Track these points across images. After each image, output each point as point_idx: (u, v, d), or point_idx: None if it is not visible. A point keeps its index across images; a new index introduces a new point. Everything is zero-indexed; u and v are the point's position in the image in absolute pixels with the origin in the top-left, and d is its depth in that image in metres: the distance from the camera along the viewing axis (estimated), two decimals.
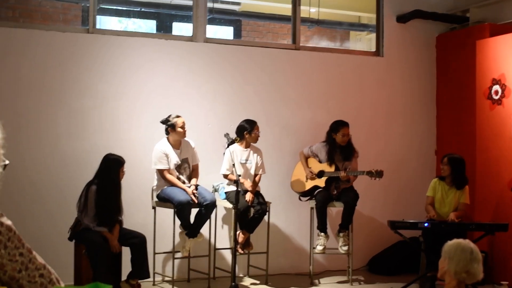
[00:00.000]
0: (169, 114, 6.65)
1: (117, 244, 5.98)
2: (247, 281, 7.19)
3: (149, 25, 8.65)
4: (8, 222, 2.20)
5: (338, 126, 7.19)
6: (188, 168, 6.78)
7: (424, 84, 8.49)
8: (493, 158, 7.42)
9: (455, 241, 3.51)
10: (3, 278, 2.18)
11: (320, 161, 7.24)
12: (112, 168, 6.08)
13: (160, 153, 6.59)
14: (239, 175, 6.41)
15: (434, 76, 8.53)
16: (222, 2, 8.68)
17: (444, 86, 8.44)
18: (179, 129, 6.61)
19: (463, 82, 8.01)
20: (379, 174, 6.98)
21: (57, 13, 8.46)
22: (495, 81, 7.36)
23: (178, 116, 6.66)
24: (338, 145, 7.20)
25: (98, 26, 7.13)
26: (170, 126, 6.60)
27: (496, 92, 7.36)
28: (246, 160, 6.99)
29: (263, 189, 7.15)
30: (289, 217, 7.74)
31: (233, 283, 6.11)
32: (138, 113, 7.08)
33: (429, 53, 8.52)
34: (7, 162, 2.24)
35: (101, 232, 5.94)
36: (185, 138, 6.74)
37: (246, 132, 6.92)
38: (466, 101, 7.94)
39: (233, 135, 7.01)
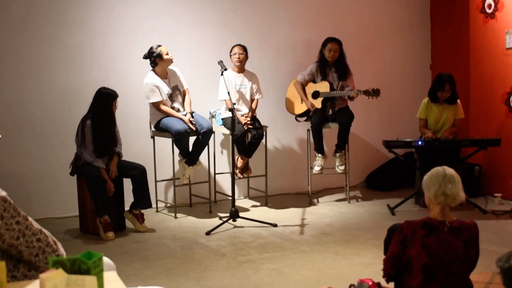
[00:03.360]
0: (149, 47, 6.64)
1: (112, 187, 6.12)
2: (248, 203, 7.40)
3: None
4: (3, 193, 2.31)
5: (326, 41, 7.22)
6: (180, 94, 6.84)
7: None
8: (486, 72, 7.46)
9: (430, 171, 3.64)
10: (2, 246, 2.31)
11: (315, 82, 7.29)
12: (105, 102, 6.14)
13: (151, 86, 6.63)
14: (234, 103, 6.48)
15: None
16: None
17: (438, 0, 8.37)
18: (166, 56, 6.64)
19: None
20: (376, 92, 7.02)
21: None
22: None
23: (160, 45, 6.67)
24: (331, 63, 7.22)
25: None
26: (157, 57, 6.62)
27: (489, 6, 7.32)
28: (240, 85, 7.06)
29: (259, 111, 7.25)
30: (286, 139, 7.88)
31: (233, 208, 6.29)
32: (132, 44, 7.07)
33: None
34: None
35: (100, 169, 6.07)
36: (170, 68, 6.77)
37: (230, 56, 6.97)
38: (460, 15, 7.90)
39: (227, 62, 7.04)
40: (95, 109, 6.16)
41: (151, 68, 6.70)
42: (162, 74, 6.72)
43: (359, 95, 7.04)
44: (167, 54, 6.63)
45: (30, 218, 2.41)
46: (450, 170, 3.59)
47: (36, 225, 2.42)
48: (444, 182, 3.52)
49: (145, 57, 6.66)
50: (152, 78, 6.67)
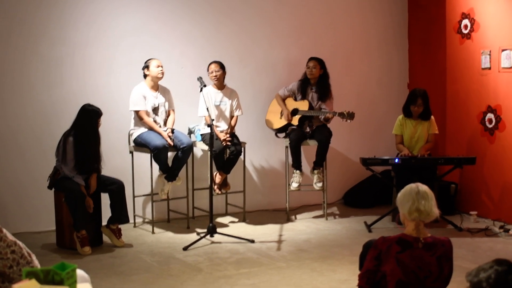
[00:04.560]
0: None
1: (91, 203, 6.10)
2: (226, 219, 7.40)
3: None
4: None
5: (308, 60, 7.31)
6: (165, 112, 6.88)
7: (396, 18, 8.54)
8: (462, 91, 7.57)
9: (403, 188, 3.69)
10: None
11: (295, 99, 7.35)
12: (89, 119, 6.15)
13: (138, 94, 6.70)
14: (213, 120, 6.52)
15: (406, 10, 8.57)
16: None
17: (415, 20, 8.49)
18: (154, 69, 6.69)
19: (434, 16, 8.06)
20: (350, 115, 7.08)
21: None
22: (465, 15, 7.43)
23: (154, 59, 6.76)
24: (314, 82, 7.30)
25: None
26: (146, 67, 6.69)
27: (466, 27, 7.44)
28: (220, 101, 7.10)
29: (239, 128, 7.29)
30: (265, 155, 7.91)
31: (211, 224, 6.30)
32: (112, 58, 7.10)
33: None
34: None
35: (79, 185, 6.06)
36: (163, 85, 6.82)
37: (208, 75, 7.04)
38: (437, 35, 8.01)
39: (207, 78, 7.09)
40: (78, 126, 6.16)
41: (144, 79, 6.81)
42: (153, 87, 6.78)
43: (334, 117, 7.10)
44: (156, 67, 6.69)
45: (4, 230, 2.41)
46: (423, 187, 3.64)
47: (10, 237, 2.42)
48: (418, 198, 3.58)
49: (142, 67, 6.76)
50: (141, 88, 6.77)
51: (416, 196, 3.59)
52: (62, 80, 6.92)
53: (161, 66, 6.75)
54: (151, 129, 6.72)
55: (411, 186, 3.67)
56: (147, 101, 6.73)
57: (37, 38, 6.78)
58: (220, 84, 7.11)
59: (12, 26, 6.70)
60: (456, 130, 7.69)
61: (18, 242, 2.44)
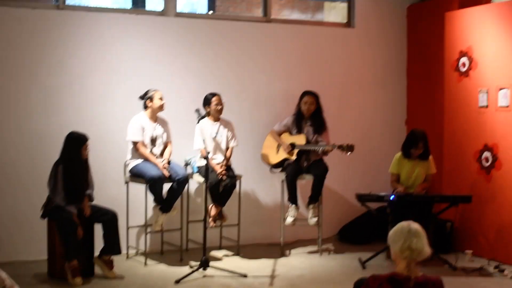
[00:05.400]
0: (146, 90, 6.77)
1: (81, 233, 6.07)
2: (220, 252, 7.35)
3: None
4: None
5: (302, 94, 7.35)
6: (162, 143, 6.89)
7: (395, 54, 8.59)
8: (460, 129, 7.56)
9: (395, 226, 3.67)
10: None
11: (291, 134, 7.35)
12: (73, 147, 6.16)
13: (137, 124, 6.72)
14: (208, 152, 6.52)
15: (405, 47, 8.62)
16: None
17: (414, 57, 8.53)
18: (158, 101, 6.72)
19: (433, 53, 8.10)
20: (349, 148, 7.08)
21: None
22: (463, 54, 7.46)
23: (156, 90, 6.79)
24: (308, 116, 7.31)
25: (68, 1, 7.11)
26: (148, 99, 6.72)
27: (464, 65, 7.46)
28: (217, 133, 7.10)
29: (236, 160, 7.28)
30: (261, 188, 7.89)
31: (204, 257, 6.26)
32: (110, 88, 7.13)
33: (400, 24, 8.59)
34: None
35: (71, 214, 6.03)
36: (162, 117, 6.83)
37: (207, 105, 7.03)
38: (435, 72, 8.04)
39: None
40: (65, 155, 6.17)
41: (144, 109, 6.81)
42: (152, 117, 6.80)
43: (333, 150, 7.09)
44: (160, 99, 6.70)
45: None
46: (415, 225, 3.62)
47: None
48: (410, 237, 3.56)
49: (141, 97, 6.75)
50: (140, 118, 6.78)
51: (408, 234, 3.56)
52: (60, 109, 6.94)
53: (163, 99, 6.77)
54: (147, 160, 6.71)
55: (403, 224, 3.64)
56: (145, 132, 6.74)
57: (36, 67, 6.83)
58: (217, 116, 7.12)
59: (11, 54, 6.75)
60: (453, 168, 7.66)
61: (1, 273, 2.41)
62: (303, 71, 8.06)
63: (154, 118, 6.83)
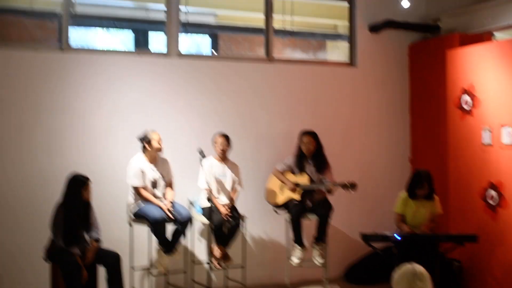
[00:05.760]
0: (144, 130, 6.74)
1: (86, 276, 6.02)
2: None
3: (125, 36, 8.66)
4: None
5: (301, 135, 7.34)
6: (164, 184, 6.86)
7: (398, 93, 8.61)
8: (464, 167, 7.53)
9: (399, 269, 3.63)
10: None
11: (294, 173, 7.33)
12: (74, 188, 6.14)
13: (136, 169, 6.68)
14: (212, 194, 6.49)
15: (407, 85, 8.65)
16: (198, 13, 8.70)
17: (417, 95, 8.55)
18: (156, 145, 6.71)
19: (435, 91, 8.12)
20: (352, 186, 7.05)
21: (34, 26, 8.45)
22: (465, 91, 7.48)
23: (153, 131, 6.76)
24: (309, 156, 7.29)
25: (74, 37, 7.14)
26: (147, 143, 6.70)
27: (466, 102, 7.47)
28: (221, 174, 7.08)
29: (239, 200, 7.25)
30: (265, 228, 7.84)
31: None
32: (114, 129, 7.15)
33: (402, 62, 8.64)
34: None
35: (75, 256, 5.98)
36: (161, 156, 6.83)
37: (212, 145, 7.03)
38: (438, 110, 8.05)
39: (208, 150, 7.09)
40: (66, 196, 6.15)
41: (142, 151, 6.77)
42: (151, 159, 6.77)
43: (337, 188, 7.06)
44: (158, 142, 6.69)
45: None
46: (419, 268, 3.58)
47: None
48: (414, 280, 3.52)
49: (139, 139, 6.75)
50: (138, 162, 6.73)
51: (412, 278, 3.52)
52: (63, 149, 6.97)
53: (161, 141, 6.77)
54: (150, 202, 6.68)
55: (407, 267, 3.61)
56: (145, 176, 6.71)
57: (39, 108, 6.89)
58: (223, 157, 7.11)
59: (15, 95, 6.81)
60: (459, 206, 7.61)
61: None
62: (305, 110, 8.08)
63: (154, 160, 6.81)
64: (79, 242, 6.10)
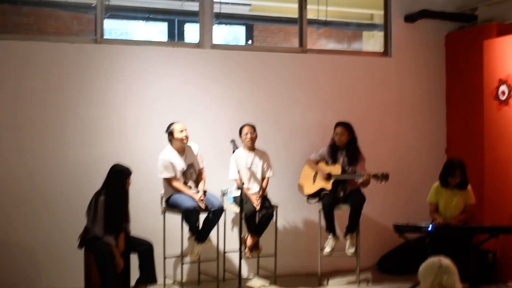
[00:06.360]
0: (169, 123, 6.82)
1: (121, 263, 6.13)
2: (257, 282, 7.31)
3: (160, 28, 8.76)
4: None
5: (335, 125, 7.30)
6: (194, 173, 6.92)
7: (433, 83, 8.51)
8: (500, 158, 7.43)
9: (426, 261, 3.61)
10: None
11: (327, 163, 7.32)
12: (119, 179, 6.23)
13: (165, 161, 6.74)
14: (243, 183, 6.53)
15: (443, 75, 8.54)
16: (232, 4, 8.74)
17: (453, 85, 8.44)
18: (178, 134, 6.75)
19: (472, 81, 8.01)
20: (384, 177, 7.01)
21: (71, 18, 8.61)
22: (502, 82, 7.37)
23: (176, 122, 6.81)
24: (342, 147, 7.28)
25: (108, 29, 7.25)
26: (170, 134, 6.76)
27: (503, 93, 7.36)
28: (252, 163, 7.11)
29: (272, 190, 7.27)
30: (297, 218, 7.86)
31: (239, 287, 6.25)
32: (146, 120, 7.23)
33: (438, 53, 8.53)
34: None
35: (109, 245, 6.09)
36: (189, 143, 6.88)
37: (240, 136, 7.07)
38: (475, 101, 7.94)
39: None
40: (108, 186, 6.23)
41: (169, 143, 6.81)
42: (179, 150, 6.82)
43: (369, 179, 7.03)
44: (180, 132, 6.74)
45: None
46: (446, 261, 3.55)
47: None
48: (440, 273, 3.49)
49: (166, 131, 6.79)
50: (167, 154, 6.78)
51: (438, 271, 3.50)
52: (98, 140, 7.07)
53: (185, 130, 6.81)
54: (182, 192, 6.75)
55: (433, 260, 3.58)
56: (175, 167, 6.77)
57: (74, 99, 7.00)
58: (252, 147, 7.15)
59: (51, 87, 6.94)
60: (494, 197, 7.51)
61: None
62: (339, 101, 8.05)
63: (182, 150, 6.86)
64: (115, 231, 6.20)
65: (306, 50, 7.99)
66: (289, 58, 7.90)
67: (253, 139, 7.10)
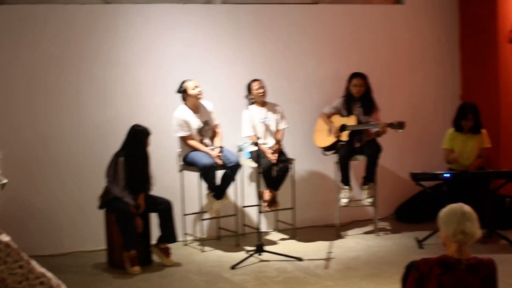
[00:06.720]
0: (181, 81, 6.81)
1: (141, 223, 6.21)
2: (276, 235, 7.40)
3: None
4: (7, 238, 2.37)
5: (351, 77, 7.27)
6: (210, 130, 6.94)
7: (447, 29, 8.41)
8: None
9: (446, 207, 3.60)
10: None
11: (342, 116, 7.31)
12: (138, 139, 6.27)
13: (179, 120, 6.75)
14: (259, 138, 6.55)
15: (456, 20, 8.42)
16: None
17: (467, 30, 8.33)
18: (192, 91, 6.74)
19: (486, 26, 7.90)
20: (400, 125, 6.99)
21: None
22: None
23: (188, 80, 6.79)
24: (357, 98, 7.25)
25: None
26: (183, 92, 6.75)
27: None
28: (265, 118, 7.11)
29: (288, 144, 7.29)
30: (314, 171, 7.88)
31: (258, 242, 6.32)
32: (160, 79, 7.22)
33: None
34: (5, 181, 2.40)
35: (129, 205, 6.15)
36: (202, 102, 6.87)
37: (250, 93, 7.05)
38: (489, 45, 7.85)
39: None
40: (128, 147, 6.27)
41: (183, 102, 6.81)
42: (193, 108, 6.82)
43: (386, 129, 7.02)
44: (193, 89, 6.73)
45: (33, 262, 2.47)
46: (467, 208, 3.55)
47: (39, 268, 2.47)
48: (463, 220, 3.49)
49: (178, 91, 6.77)
50: (181, 112, 6.78)
51: (461, 218, 3.49)
52: (113, 100, 7.08)
53: (198, 86, 6.79)
54: (198, 150, 6.78)
55: (455, 206, 3.57)
56: (190, 125, 6.77)
57: (86, 60, 6.97)
58: (263, 101, 7.13)
59: (62, 49, 6.90)
60: (510, 142, 7.49)
61: (47, 273, 2.49)
62: (352, 52, 7.98)
63: (196, 108, 6.85)
64: (135, 192, 6.26)
65: (317, 1, 7.89)
66: (301, 10, 7.80)
67: (262, 93, 7.08)
